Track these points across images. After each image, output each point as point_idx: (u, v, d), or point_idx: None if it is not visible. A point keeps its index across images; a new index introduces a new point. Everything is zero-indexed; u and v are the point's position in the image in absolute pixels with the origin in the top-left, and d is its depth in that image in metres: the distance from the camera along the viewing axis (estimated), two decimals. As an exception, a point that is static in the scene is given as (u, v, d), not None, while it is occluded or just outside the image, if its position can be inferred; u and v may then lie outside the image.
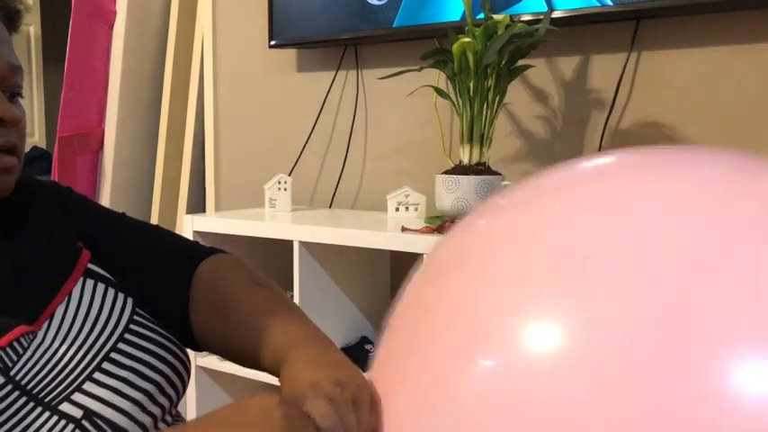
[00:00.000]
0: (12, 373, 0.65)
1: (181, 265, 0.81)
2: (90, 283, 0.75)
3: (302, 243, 1.48)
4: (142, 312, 0.76)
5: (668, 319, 0.45)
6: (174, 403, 0.75)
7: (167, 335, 0.76)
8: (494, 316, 0.51)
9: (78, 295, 0.73)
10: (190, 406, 1.77)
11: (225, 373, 1.72)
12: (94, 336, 0.71)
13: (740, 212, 0.50)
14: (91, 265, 0.77)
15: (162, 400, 0.71)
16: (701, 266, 0.47)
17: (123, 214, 0.87)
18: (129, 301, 0.76)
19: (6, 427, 0.62)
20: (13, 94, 0.73)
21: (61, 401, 0.66)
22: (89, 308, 0.73)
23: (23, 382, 0.65)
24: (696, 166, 0.56)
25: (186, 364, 0.77)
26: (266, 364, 0.70)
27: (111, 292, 0.76)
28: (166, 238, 0.85)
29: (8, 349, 0.66)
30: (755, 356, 0.43)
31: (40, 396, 0.65)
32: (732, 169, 0.55)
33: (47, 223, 0.78)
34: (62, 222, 0.80)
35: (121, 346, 0.71)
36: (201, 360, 1.73)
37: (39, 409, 0.64)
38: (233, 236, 1.60)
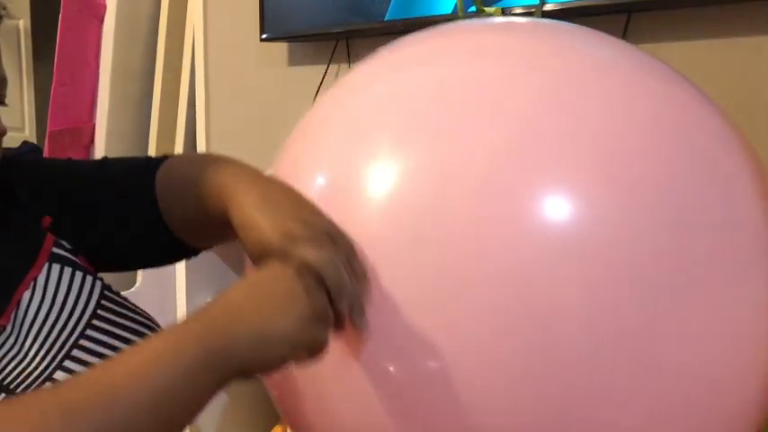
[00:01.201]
0: None
1: (140, 183, 0.80)
2: (56, 267, 0.74)
3: (294, 237, 1.47)
4: (111, 296, 0.76)
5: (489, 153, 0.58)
6: None
7: (138, 318, 0.76)
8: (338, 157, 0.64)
9: (44, 281, 0.73)
10: (182, 401, 1.77)
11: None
12: (62, 322, 0.71)
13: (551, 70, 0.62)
14: (56, 249, 0.76)
15: None
16: (523, 115, 0.59)
17: (69, 160, 0.86)
18: (98, 284, 0.75)
19: None
20: None
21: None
22: (55, 294, 0.72)
23: None
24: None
25: None
26: (215, 209, 0.70)
27: (78, 275, 0.75)
28: (118, 167, 0.84)
29: None
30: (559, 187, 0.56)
31: (11, 387, 0.65)
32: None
33: (9, 210, 0.77)
34: (24, 201, 0.79)
35: (90, 332, 0.71)
36: (194, 355, 1.73)
37: None
38: (225, 230, 1.59)
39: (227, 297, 0.56)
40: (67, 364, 0.68)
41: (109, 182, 0.81)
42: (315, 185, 0.64)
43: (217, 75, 2.06)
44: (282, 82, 1.92)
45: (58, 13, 2.09)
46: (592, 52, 0.67)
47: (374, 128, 0.63)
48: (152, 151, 2.15)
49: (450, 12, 1.50)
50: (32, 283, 0.72)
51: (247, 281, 0.58)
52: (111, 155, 2.18)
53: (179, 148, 2.12)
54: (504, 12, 1.35)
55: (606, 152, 0.58)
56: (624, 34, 1.41)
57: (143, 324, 0.75)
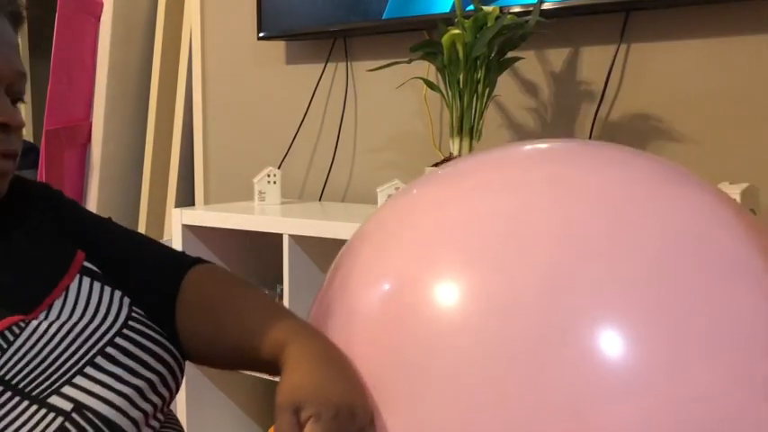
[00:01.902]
0: None
1: (168, 274, 0.80)
2: (87, 280, 0.75)
3: (292, 236, 1.47)
4: (139, 311, 0.76)
5: (544, 290, 0.58)
6: (167, 402, 0.74)
7: (163, 333, 0.76)
8: (401, 279, 0.66)
9: (76, 291, 0.73)
10: (180, 401, 1.76)
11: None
12: (91, 329, 0.71)
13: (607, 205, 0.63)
14: (87, 264, 0.77)
15: (153, 398, 0.71)
16: (572, 245, 0.60)
17: (109, 220, 0.86)
18: (126, 300, 0.76)
19: None
20: (16, 99, 0.74)
21: (50, 394, 0.65)
22: (87, 302, 0.73)
23: (8, 377, 0.65)
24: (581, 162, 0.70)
25: (182, 365, 0.76)
26: (264, 356, 0.70)
27: (107, 289, 0.75)
28: (153, 248, 0.84)
29: None
30: (615, 323, 0.56)
31: (27, 389, 0.65)
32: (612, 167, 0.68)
33: (41, 223, 0.78)
34: (55, 224, 0.80)
35: (119, 341, 0.71)
36: (191, 354, 1.72)
37: (25, 403, 0.64)
38: (222, 229, 1.59)
39: None
40: (89, 370, 0.68)
41: (135, 269, 0.81)
42: (381, 291, 0.67)
43: (214, 73, 2.05)
44: (280, 80, 1.92)
45: (55, 11, 2.09)
46: (644, 179, 0.67)
47: (440, 250, 0.65)
48: (148, 148, 2.15)
49: (448, 11, 1.50)
50: (65, 291, 0.73)
51: None
52: (108, 153, 2.18)
53: (176, 147, 2.11)
54: (502, 10, 1.35)
55: (661, 286, 0.58)
56: (622, 33, 1.41)
57: (169, 339, 0.76)
